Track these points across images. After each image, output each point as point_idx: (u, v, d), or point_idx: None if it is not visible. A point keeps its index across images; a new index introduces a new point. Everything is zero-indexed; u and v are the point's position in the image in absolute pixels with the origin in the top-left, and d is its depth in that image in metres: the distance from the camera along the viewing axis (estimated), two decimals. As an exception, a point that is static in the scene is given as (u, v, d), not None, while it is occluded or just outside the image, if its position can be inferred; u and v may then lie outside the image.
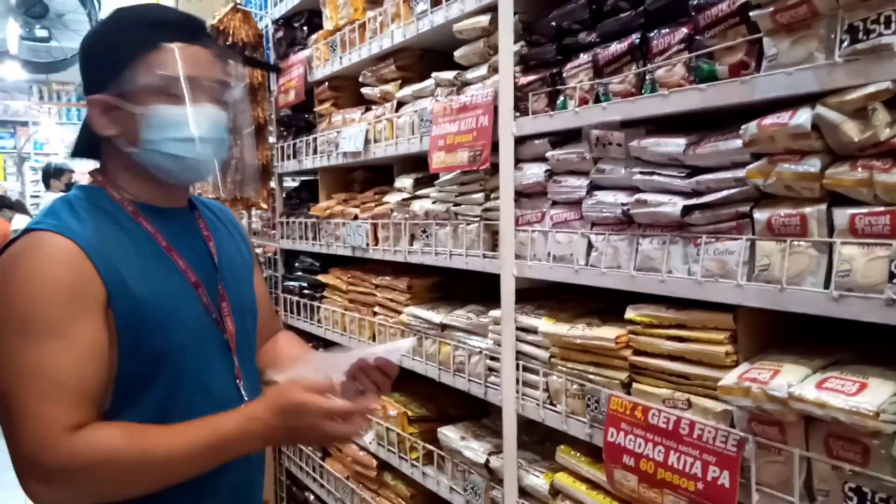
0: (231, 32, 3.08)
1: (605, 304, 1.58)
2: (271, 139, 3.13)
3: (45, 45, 5.94)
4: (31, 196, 9.80)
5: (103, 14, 5.63)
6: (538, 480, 1.60)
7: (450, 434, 1.93)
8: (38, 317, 0.97)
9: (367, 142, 2.29)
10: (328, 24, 2.59)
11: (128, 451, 0.99)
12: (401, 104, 2.20)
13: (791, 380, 1.06)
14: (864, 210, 1.01)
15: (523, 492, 1.66)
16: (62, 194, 1.17)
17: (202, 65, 1.11)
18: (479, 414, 2.05)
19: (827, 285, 1.04)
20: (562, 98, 1.53)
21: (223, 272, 1.22)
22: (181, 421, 1.04)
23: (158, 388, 1.07)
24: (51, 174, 6.08)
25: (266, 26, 3.17)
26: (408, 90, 2.13)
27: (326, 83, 2.64)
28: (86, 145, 1.17)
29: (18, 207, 7.75)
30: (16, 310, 0.97)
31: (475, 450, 1.82)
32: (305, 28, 2.90)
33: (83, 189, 1.14)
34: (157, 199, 1.16)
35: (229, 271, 1.24)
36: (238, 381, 1.19)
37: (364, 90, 2.39)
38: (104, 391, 1.04)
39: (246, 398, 1.17)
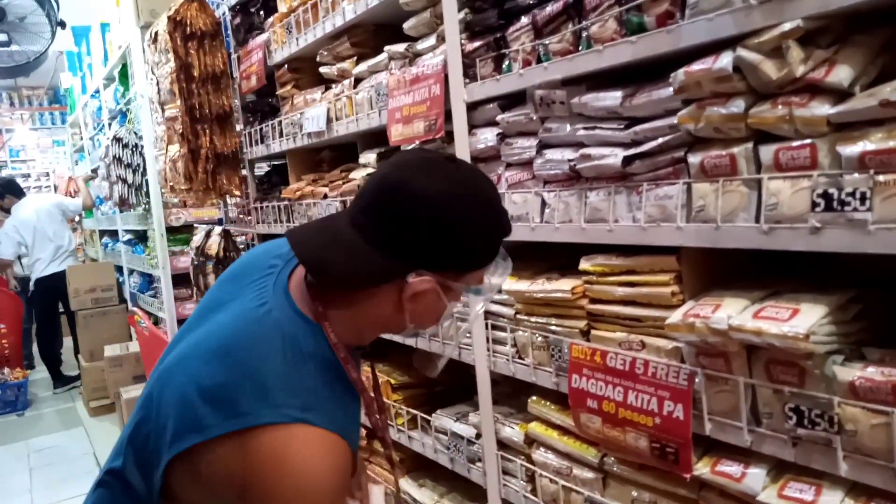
0: (189, 22, 3.08)
1: (567, 259, 1.63)
2: (238, 126, 3.15)
3: (6, 50, 5.87)
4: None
5: (62, 14, 5.56)
6: (513, 431, 1.67)
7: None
8: None
9: (329, 120, 2.32)
10: (283, 7, 2.60)
11: None
12: (358, 80, 2.22)
13: (731, 312, 1.12)
14: (787, 144, 1.06)
15: (502, 444, 1.73)
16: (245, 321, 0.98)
17: None
18: (461, 376, 2.11)
19: (758, 220, 1.09)
20: (507, 62, 1.57)
21: None
22: None
23: None
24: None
25: (223, 13, 3.17)
26: (363, 66, 2.15)
27: (286, 66, 2.66)
28: (356, 286, 1.00)
29: None
30: None
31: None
32: (262, 12, 2.90)
33: (308, 333, 0.99)
34: (364, 343, 1.10)
35: None
36: None
37: (322, 69, 2.41)
38: None
39: None
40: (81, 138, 7.31)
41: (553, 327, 1.50)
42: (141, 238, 5.44)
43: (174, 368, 1.02)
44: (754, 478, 1.15)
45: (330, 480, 0.93)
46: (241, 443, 0.91)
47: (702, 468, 1.22)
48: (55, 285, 5.78)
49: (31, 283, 6.00)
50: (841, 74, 0.99)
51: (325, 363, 0.99)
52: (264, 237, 3.12)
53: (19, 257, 6.90)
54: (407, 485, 2.22)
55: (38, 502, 4.02)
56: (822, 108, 1.00)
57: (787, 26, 1.01)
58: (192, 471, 0.95)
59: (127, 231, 5.78)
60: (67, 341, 6.52)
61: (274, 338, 0.97)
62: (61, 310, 6.10)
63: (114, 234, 6.37)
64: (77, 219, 7.71)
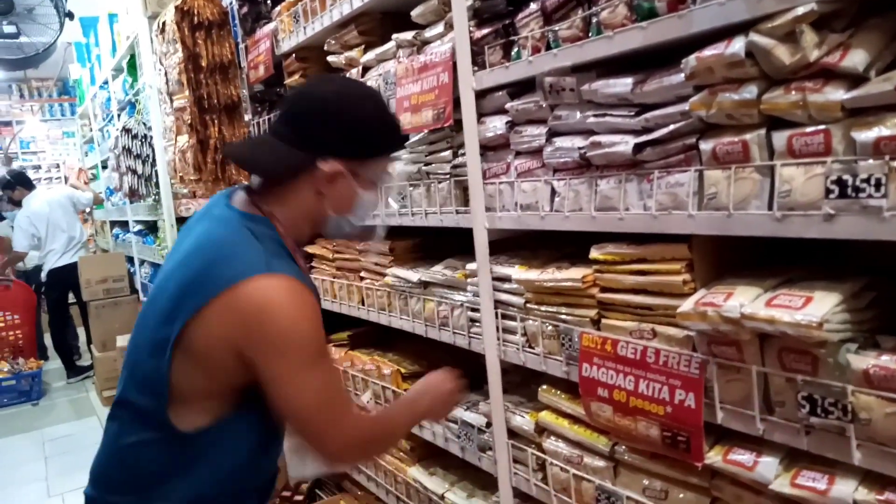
0: (196, 12, 3.08)
1: (577, 248, 1.63)
2: (247, 116, 3.15)
3: (15, 42, 5.89)
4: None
5: (70, 5, 5.56)
6: (524, 420, 1.67)
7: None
8: (316, 348, 1.19)
9: (337, 110, 2.30)
10: (289, -5, 2.58)
11: (383, 423, 1.39)
12: (366, 69, 2.21)
13: (743, 300, 1.11)
14: (800, 130, 1.04)
15: (512, 433, 1.73)
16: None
17: None
18: (471, 365, 2.11)
19: (771, 207, 1.08)
20: (516, 49, 1.55)
21: None
22: None
23: None
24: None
25: (230, 3, 3.16)
26: (371, 54, 2.14)
27: (294, 55, 2.64)
28: (278, 173, 1.26)
29: None
30: (303, 346, 1.16)
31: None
32: (269, 1, 2.89)
33: (256, 221, 1.23)
34: (303, 238, 1.34)
35: None
36: None
37: (330, 58, 2.40)
38: None
39: None
40: (91, 129, 7.34)
41: (563, 316, 1.49)
42: (151, 228, 5.46)
43: (151, 297, 1.24)
44: (767, 466, 1.15)
45: (312, 312, 1.17)
46: (225, 304, 1.11)
47: (714, 457, 1.22)
48: (67, 277, 5.82)
49: (44, 275, 6.04)
50: (856, 59, 0.97)
51: (279, 243, 1.22)
52: (274, 227, 3.13)
53: None
54: (418, 473, 2.23)
55: (53, 489, 4.07)
56: (837, 94, 0.99)
57: (800, 10, 0.99)
58: (188, 353, 1.14)
59: (137, 222, 5.81)
60: (80, 332, 6.57)
61: (231, 229, 1.20)
62: (72, 300, 6.14)
63: (124, 224, 6.41)
64: (87, 210, 7.76)
